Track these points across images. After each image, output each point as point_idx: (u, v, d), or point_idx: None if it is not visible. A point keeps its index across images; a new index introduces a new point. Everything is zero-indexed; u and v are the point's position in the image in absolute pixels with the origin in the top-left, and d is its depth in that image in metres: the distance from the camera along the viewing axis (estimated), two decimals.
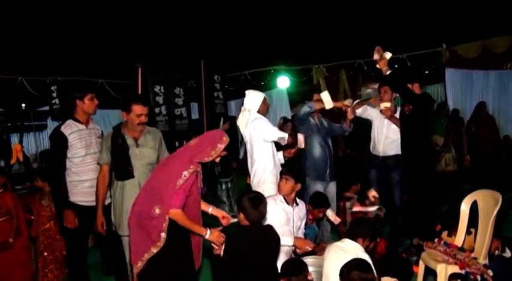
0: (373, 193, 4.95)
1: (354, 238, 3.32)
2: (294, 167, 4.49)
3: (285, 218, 3.66)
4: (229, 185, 7.20)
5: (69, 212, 3.70)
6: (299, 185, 3.77)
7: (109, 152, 3.60)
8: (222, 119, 7.53)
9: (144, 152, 3.64)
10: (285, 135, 4.19)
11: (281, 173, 3.70)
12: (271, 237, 3.10)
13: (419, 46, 9.90)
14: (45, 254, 4.56)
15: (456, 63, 10.00)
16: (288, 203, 3.75)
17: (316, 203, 4.30)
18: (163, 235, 2.99)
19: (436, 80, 10.75)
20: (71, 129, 3.73)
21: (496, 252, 3.87)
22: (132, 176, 3.56)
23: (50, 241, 4.57)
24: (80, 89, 3.91)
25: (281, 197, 3.77)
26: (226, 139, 3.13)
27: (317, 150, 4.88)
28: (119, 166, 3.59)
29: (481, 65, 9.91)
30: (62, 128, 3.73)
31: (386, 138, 5.26)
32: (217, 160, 3.18)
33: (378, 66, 4.67)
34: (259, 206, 3.01)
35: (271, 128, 4.22)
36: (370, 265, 2.91)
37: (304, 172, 4.87)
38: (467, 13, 9.44)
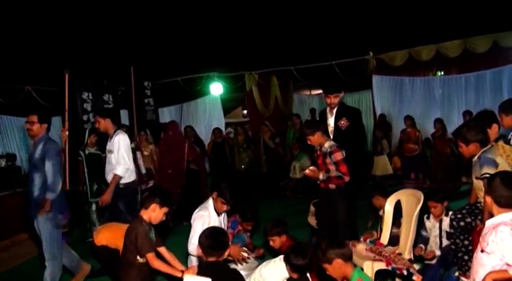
0: None
1: None
2: None
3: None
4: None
5: None
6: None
7: None
8: (87, 131, 6.88)
9: None
10: None
11: None
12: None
13: (347, 54, 10.26)
14: None
15: (383, 71, 10.47)
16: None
17: (245, 217, 4.44)
18: None
19: (365, 86, 11.20)
20: None
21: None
22: None
23: None
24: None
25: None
26: None
27: None
28: None
29: (407, 72, 10.45)
30: None
31: None
32: None
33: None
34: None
35: None
36: None
37: None
38: (394, 23, 9.90)
